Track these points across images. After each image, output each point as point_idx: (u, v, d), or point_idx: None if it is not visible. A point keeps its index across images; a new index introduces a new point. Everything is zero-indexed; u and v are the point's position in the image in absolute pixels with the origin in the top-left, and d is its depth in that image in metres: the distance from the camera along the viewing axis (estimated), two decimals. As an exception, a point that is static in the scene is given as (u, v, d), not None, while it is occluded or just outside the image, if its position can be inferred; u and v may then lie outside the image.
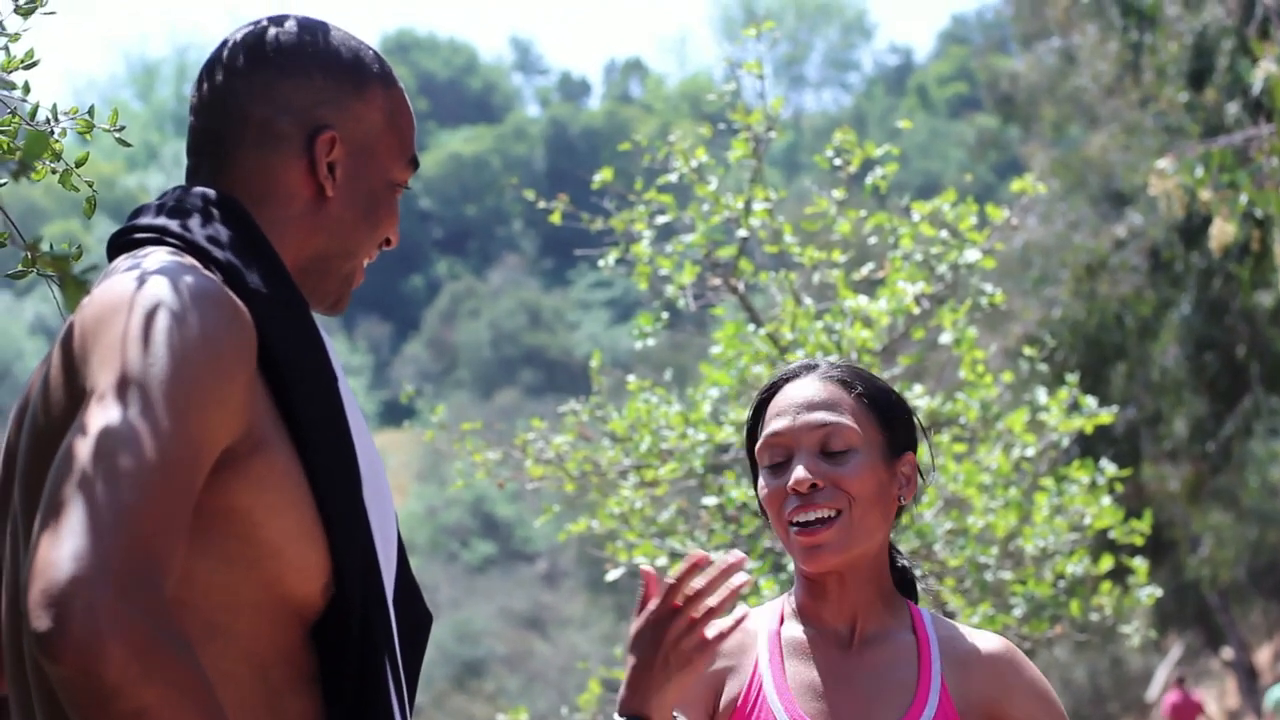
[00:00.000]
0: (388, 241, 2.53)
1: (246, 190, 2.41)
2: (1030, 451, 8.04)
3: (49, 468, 2.12)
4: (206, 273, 2.26)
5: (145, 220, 2.40)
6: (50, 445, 2.16)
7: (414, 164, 2.54)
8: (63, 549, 1.96)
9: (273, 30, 2.47)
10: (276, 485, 2.21)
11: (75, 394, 2.16)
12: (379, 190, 2.48)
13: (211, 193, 2.40)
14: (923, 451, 3.14)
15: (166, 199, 2.43)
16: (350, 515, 2.28)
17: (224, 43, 2.48)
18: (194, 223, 2.36)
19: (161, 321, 2.14)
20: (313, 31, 2.48)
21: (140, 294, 2.18)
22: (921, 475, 3.13)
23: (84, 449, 2.03)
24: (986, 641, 3.07)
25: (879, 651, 3.04)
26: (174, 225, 2.36)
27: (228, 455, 2.17)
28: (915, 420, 3.14)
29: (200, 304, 2.18)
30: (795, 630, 3.07)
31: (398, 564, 2.40)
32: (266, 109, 2.42)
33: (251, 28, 2.48)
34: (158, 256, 2.28)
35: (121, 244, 2.40)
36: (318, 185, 2.44)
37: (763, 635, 3.06)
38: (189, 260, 2.29)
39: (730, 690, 3.02)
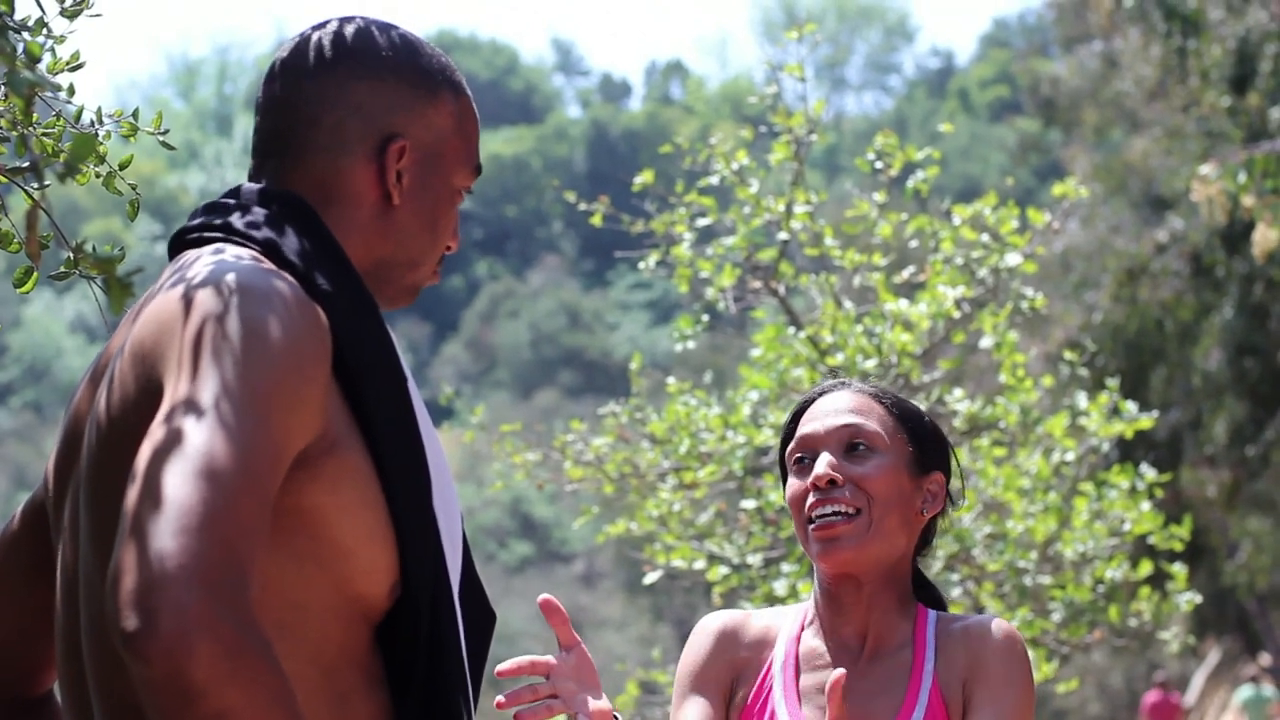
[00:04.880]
0: (448, 247, 2.51)
1: (313, 192, 2.39)
2: (1070, 456, 8.02)
3: (122, 466, 2.10)
4: (282, 273, 2.24)
5: (213, 218, 2.37)
6: (122, 446, 2.14)
7: (477, 170, 2.51)
8: (150, 550, 1.94)
9: (344, 32, 2.44)
10: (349, 486, 2.21)
11: (149, 393, 2.14)
12: (442, 197, 2.46)
13: (279, 191, 2.38)
14: (955, 476, 3.15)
15: (233, 197, 2.40)
16: (419, 517, 2.27)
17: (293, 43, 2.45)
18: (262, 221, 2.34)
19: (241, 323, 2.12)
20: (385, 34, 2.45)
21: (215, 294, 2.15)
22: (951, 500, 3.13)
23: (166, 450, 2.01)
24: (979, 622, 3.05)
25: (882, 666, 3.04)
26: (242, 224, 2.34)
27: (303, 456, 2.16)
28: (949, 448, 3.15)
29: (279, 306, 2.16)
30: (812, 641, 3.08)
31: (463, 563, 2.39)
32: (339, 112, 2.40)
33: (322, 28, 2.45)
34: (230, 256, 2.26)
35: (187, 241, 2.38)
36: (384, 192, 2.41)
37: (782, 639, 3.08)
38: (263, 260, 2.27)
39: (744, 682, 3.06)
